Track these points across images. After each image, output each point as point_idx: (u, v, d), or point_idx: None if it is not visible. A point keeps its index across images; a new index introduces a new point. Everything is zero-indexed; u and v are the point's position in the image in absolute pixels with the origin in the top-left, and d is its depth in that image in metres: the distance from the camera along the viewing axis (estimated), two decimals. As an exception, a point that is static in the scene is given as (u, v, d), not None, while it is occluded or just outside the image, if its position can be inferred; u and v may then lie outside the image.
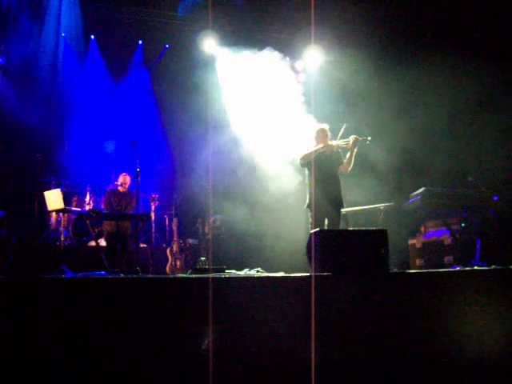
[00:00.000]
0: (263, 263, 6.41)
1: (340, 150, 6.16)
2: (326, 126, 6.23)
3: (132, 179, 7.54)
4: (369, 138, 5.92)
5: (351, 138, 5.95)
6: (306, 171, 6.17)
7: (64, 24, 9.69)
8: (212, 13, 9.01)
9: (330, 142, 6.09)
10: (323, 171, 5.98)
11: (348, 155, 6.04)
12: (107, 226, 7.44)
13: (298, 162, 6.19)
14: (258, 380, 3.43)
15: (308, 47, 9.91)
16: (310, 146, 6.24)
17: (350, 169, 6.09)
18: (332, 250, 4.13)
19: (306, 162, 6.07)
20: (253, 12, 9.56)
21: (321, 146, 6.03)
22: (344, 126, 6.12)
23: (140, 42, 10.49)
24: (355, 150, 5.98)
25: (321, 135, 6.16)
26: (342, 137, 6.12)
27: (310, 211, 5.97)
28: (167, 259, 8.44)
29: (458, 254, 6.88)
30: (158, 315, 3.41)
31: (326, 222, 5.92)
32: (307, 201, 6.06)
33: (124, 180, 7.56)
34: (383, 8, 8.95)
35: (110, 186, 7.88)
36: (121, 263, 6.90)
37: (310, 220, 5.94)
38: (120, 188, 7.59)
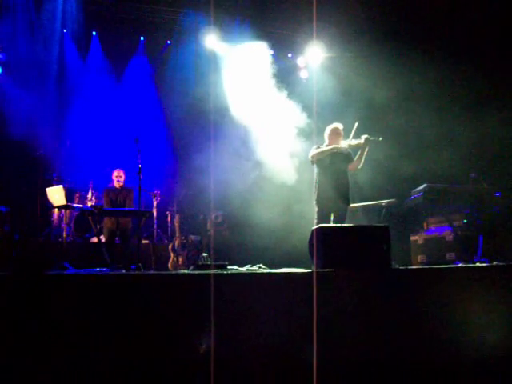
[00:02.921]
0: (265, 259, 6.40)
1: (350, 150, 6.23)
2: (340, 126, 6.29)
3: (134, 175, 7.53)
4: (380, 139, 6.01)
5: (363, 138, 6.03)
6: (315, 168, 6.24)
7: (66, 20, 9.68)
8: (214, 8, 8.99)
9: (342, 142, 6.17)
10: (333, 168, 6.09)
11: (359, 154, 6.13)
12: (108, 222, 7.45)
13: (309, 159, 6.27)
14: (259, 376, 3.44)
15: (310, 43, 9.89)
16: (322, 144, 6.31)
17: (359, 167, 6.19)
18: (334, 246, 4.13)
19: (316, 159, 6.16)
20: (255, 8, 9.54)
21: (332, 146, 6.10)
22: (356, 125, 6.16)
23: (142, 38, 10.48)
24: (366, 149, 6.05)
25: (333, 134, 6.22)
26: (354, 135, 6.18)
27: (317, 207, 6.07)
28: (169, 255, 8.46)
29: (460, 251, 6.87)
30: (160, 312, 3.41)
31: (332, 217, 5.99)
32: (315, 197, 6.12)
33: (118, 174, 7.60)
34: (386, 4, 8.92)
35: (108, 185, 7.90)
36: (123, 259, 6.91)
37: (316, 215, 6.06)
38: (116, 184, 7.61)
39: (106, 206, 7.47)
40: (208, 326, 3.34)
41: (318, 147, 6.21)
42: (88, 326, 3.26)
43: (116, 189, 7.65)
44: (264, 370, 3.45)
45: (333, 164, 6.08)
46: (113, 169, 8.85)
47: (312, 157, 6.20)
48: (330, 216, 6.01)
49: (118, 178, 7.65)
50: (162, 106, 10.58)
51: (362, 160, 6.12)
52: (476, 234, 6.56)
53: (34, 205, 8.56)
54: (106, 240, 7.54)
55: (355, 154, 6.25)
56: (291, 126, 7.80)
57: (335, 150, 6.08)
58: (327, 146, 6.23)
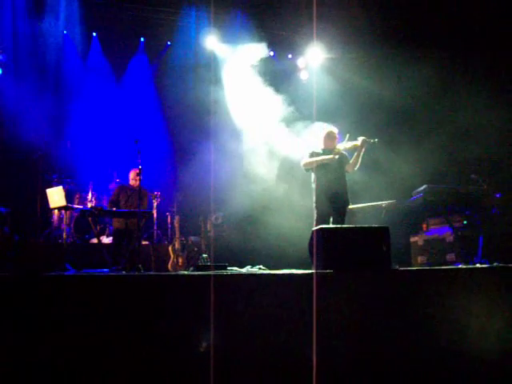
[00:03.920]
0: (265, 260, 6.41)
1: (345, 152, 6.24)
2: (335, 129, 6.30)
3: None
4: (376, 140, 6.05)
5: (360, 139, 6.07)
6: (312, 173, 6.22)
7: (66, 21, 9.69)
8: (214, 10, 9.00)
9: (337, 147, 6.19)
10: (330, 172, 6.08)
11: (355, 155, 6.14)
12: (116, 222, 7.40)
13: (302, 167, 6.28)
14: (259, 377, 3.44)
15: (310, 44, 9.90)
16: (316, 147, 6.31)
17: (356, 168, 6.21)
18: (334, 248, 4.13)
19: (308, 168, 6.18)
20: (255, 8, 9.55)
21: (322, 158, 6.10)
22: (347, 136, 6.20)
23: (142, 39, 10.49)
24: (363, 150, 6.08)
25: (329, 138, 6.23)
26: (349, 139, 6.22)
27: (316, 210, 6.08)
28: (169, 256, 8.45)
29: (460, 252, 6.87)
30: (160, 313, 3.41)
31: (331, 220, 6.00)
32: (314, 200, 6.12)
33: (134, 176, 7.52)
34: (386, 5, 8.93)
35: (114, 183, 7.85)
36: (123, 261, 6.91)
37: (316, 217, 6.06)
38: (132, 183, 7.53)
39: (111, 203, 7.42)
40: (208, 327, 3.34)
41: (313, 152, 6.21)
42: (88, 327, 3.26)
43: (131, 188, 7.58)
44: (264, 370, 3.45)
45: (329, 168, 6.07)
46: (113, 170, 8.85)
47: (303, 165, 6.22)
48: (329, 218, 6.01)
49: (134, 179, 7.55)
50: (162, 107, 10.58)
51: (359, 161, 6.15)
52: (476, 235, 6.56)
53: (34, 206, 8.56)
54: (113, 241, 7.50)
55: (350, 154, 6.26)
56: (289, 127, 7.82)
57: (325, 162, 6.07)
58: (323, 149, 6.24)
